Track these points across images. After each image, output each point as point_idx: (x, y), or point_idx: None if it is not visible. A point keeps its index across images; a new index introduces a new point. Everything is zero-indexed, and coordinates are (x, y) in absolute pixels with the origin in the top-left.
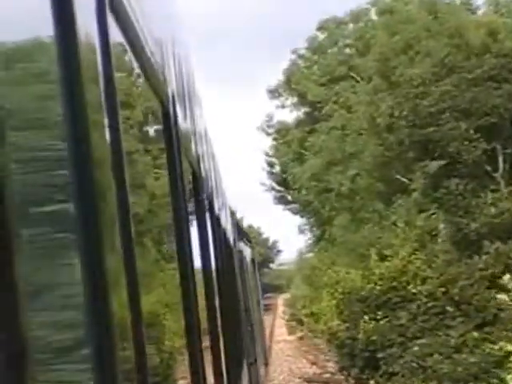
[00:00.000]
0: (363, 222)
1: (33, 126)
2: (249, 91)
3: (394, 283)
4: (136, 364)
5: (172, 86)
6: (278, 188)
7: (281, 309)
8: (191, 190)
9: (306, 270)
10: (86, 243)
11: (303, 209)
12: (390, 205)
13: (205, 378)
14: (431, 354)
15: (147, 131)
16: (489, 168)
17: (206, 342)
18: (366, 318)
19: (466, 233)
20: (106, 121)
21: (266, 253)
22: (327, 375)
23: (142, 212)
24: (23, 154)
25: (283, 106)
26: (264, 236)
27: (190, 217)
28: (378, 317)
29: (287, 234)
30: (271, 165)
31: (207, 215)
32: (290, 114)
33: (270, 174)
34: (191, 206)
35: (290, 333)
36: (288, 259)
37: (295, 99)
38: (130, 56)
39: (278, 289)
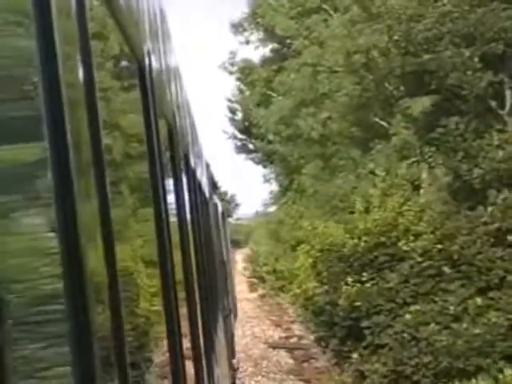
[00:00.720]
0: (337, 170)
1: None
2: (210, 25)
3: (382, 239)
4: (112, 317)
5: (147, 41)
6: (240, 136)
7: (240, 265)
8: (167, 145)
9: (271, 223)
10: (59, 188)
11: (267, 158)
12: (367, 151)
13: (181, 331)
14: (426, 324)
15: (122, 85)
16: (494, 104)
17: (182, 294)
18: (349, 279)
19: (466, 180)
20: (80, 75)
21: (224, 206)
22: (293, 340)
23: (117, 163)
24: None
25: (248, 42)
26: (222, 189)
27: (167, 171)
28: (363, 279)
29: (246, 188)
30: (233, 111)
31: (183, 169)
32: (255, 52)
33: (232, 120)
34: (167, 160)
35: (251, 290)
36: (246, 214)
37: (261, 34)
38: (105, 9)
39: (236, 244)
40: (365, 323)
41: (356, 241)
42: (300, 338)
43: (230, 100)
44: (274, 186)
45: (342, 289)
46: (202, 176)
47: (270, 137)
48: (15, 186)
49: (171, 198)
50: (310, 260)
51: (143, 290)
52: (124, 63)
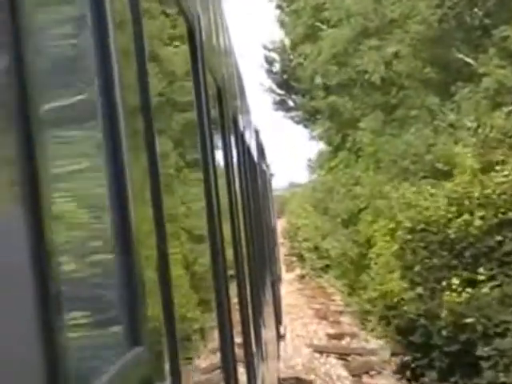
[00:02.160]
0: (406, 123)
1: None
2: None
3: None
4: (160, 271)
5: (197, 2)
6: (278, 91)
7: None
8: (217, 108)
9: (316, 192)
10: (112, 149)
11: (309, 117)
12: (447, 98)
13: (228, 294)
14: None
15: (172, 46)
16: None
17: (231, 257)
18: (455, 280)
19: None
20: (132, 38)
21: None
22: (345, 340)
23: (167, 124)
24: None
25: None
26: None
27: (217, 134)
28: (479, 278)
29: (279, 156)
30: (270, 61)
31: (232, 132)
32: None
33: (269, 72)
34: (217, 123)
35: (288, 270)
36: (278, 186)
37: None
38: None
39: None
40: (481, 350)
41: (467, 217)
42: (352, 336)
43: (266, 48)
44: (320, 146)
45: (445, 294)
46: (250, 140)
47: (318, 80)
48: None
49: (221, 161)
50: (395, 246)
51: (194, 253)
52: (174, 24)
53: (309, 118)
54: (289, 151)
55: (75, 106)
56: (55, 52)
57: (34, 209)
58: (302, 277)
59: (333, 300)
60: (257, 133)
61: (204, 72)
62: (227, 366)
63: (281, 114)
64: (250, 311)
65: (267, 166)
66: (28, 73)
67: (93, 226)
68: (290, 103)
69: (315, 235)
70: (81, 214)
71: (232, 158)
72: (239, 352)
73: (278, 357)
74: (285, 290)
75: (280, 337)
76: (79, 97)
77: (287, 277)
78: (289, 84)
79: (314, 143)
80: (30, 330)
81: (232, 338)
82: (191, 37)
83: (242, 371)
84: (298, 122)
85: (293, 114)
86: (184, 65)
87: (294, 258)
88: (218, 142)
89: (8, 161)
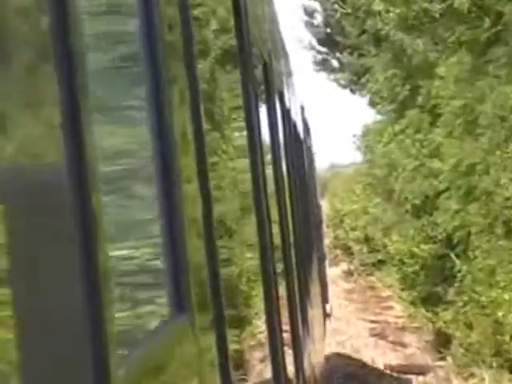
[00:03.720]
0: (507, 65)
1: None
2: None
3: None
4: (207, 254)
5: None
6: (319, 48)
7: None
8: (262, 82)
9: (372, 167)
10: (157, 120)
11: (358, 79)
12: None
13: (275, 271)
14: None
15: (216, 18)
16: None
17: (279, 235)
18: None
19: None
20: (174, 9)
21: None
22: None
23: (211, 98)
24: None
25: None
26: None
27: (262, 108)
28: None
29: (321, 131)
30: (310, 12)
31: (279, 108)
32: None
33: (310, 26)
34: (263, 98)
35: (331, 264)
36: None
37: None
38: None
39: None
40: None
41: None
42: (427, 369)
43: None
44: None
45: None
46: (296, 117)
47: (378, 6)
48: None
49: (267, 138)
50: None
51: (240, 230)
52: None
53: (357, 80)
54: (331, 124)
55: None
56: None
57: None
58: (350, 273)
59: (389, 307)
60: (302, 109)
61: (250, 46)
62: (273, 343)
63: (323, 75)
64: (296, 288)
65: (312, 143)
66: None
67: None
68: (334, 63)
69: (372, 228)
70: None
71: (278, 135)
72: (285, 329)
73: (324, 336)
74: (331, 290)
75: (326, 315)
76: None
77: (330, 272)
78: (333, 39)
79: (363, 113)
80: (75, 296)
81: (279, 315)
82: (236, 9)
83: (288, 349)
84: (343, 86)
85: (338, 75)
86: (229, 39)
87: (339, 251)
88: (265, 119)
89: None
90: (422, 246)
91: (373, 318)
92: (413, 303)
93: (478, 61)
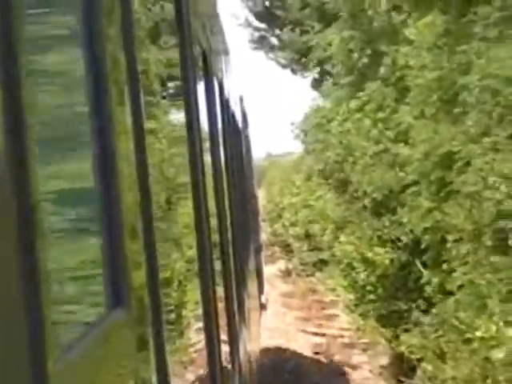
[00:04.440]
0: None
1: None
2: None
3: None
4: (144, 247)
5: None
6: (257, 24)
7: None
8: (202, 73)
9: (316, 152)
10: (99, 119)
11: (300, 57)
12: None
13: (212, 260)
14: None
15: (157, 10)
16: None
17: (214, 223)
18: None
19: None
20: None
21: None
22: None
23: (152, 88)
24: None
25: None
26: None
27: (201, 98)
28: None
29: (257, 117)
30: None
31: (217, 98)
32: None
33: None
34: (202, 88)
35: (268, 261)
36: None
37: None
38: None
39: None
40: None
41: None
42: None
43: None
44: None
45: None
46: (235, 107)
47: None
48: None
49: (206, 128)
50: None
51: (176, 217)
52: None
53: (299, 59)
54: (270, 110)
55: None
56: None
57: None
58: (288, 273)
59: (335, 316)
60: (241, 99)
61: (190, 37)
62: (209, 332)
63: (261, 55)
64: (233, 279)
65: (249, 133)
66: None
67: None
68: (274, 41)
69: (322, 227)
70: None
71: (217, 126)
72: (222, 319)
73: (260, 325)
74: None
75: (262, 306)
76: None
77: (267, 270)
78: (272, 14)
79: (305, 96)
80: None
81: (215, 306)
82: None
83: (224, 338)
84: (284, 66)
85: (278, 54)
86: (169, 29)
87: (276, 248)
88: (204, 108)
89: None
90: (378, 250)
91: (316, 329)
92: (363, 315)
93: (459, 21)
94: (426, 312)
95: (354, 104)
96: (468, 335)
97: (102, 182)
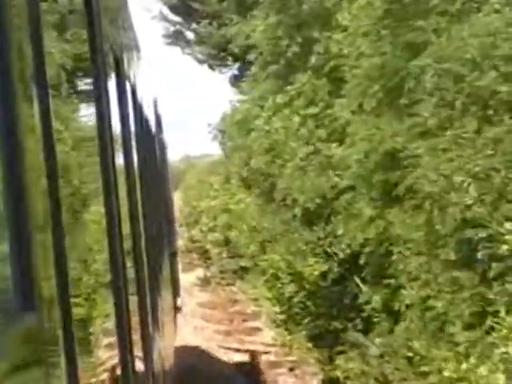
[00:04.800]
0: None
1: None
2: None
3: None
4: (54, 238)
5: None
6: (172, 17)
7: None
8: (114, 76)
9: (249, 154)
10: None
11: (218, 52)
12: None
13: (125, 265)
14: None
15: (67, 13)
16: None
17: (127, 228)
18: None
19: None
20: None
21: None
22: None
23: (62, 91)
24: None
25: None
26: None
27: (114, 105)
28: None
29: (174, 117)
30: None
31: (130, 103)
32: None
33: None
34: (114, 92)
35: (185, 269)
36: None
37: None
38: None
39: None
40: None
41: None
42: None
43: None
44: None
45: None
46: (149, 110)
47: None
48: None
49: (119, 133)
50: None
51: (87, 222)
52: None
53: (217, 53)
54: (186, 110)
55: None
56: None
57: None
58: (207, 282)
59: (257, 330)
60: (155, 103)
61: (101, 40)
62: (123, 336)
63: (177, 51)
64: (147, 283)
65: (163, 136)
66: None
67: None
68: (190, 35)
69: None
70: None
71: (130, 131)
72: (135, 323)
73: (175, 328)
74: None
75: (177, 309)
76: None
77: (184, 279)
78: (189, 8)
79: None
80: None
81: (128, 309)
82: (88, 5)
83: (138, 341)
84: (201, 61)
85: (195, 49)
86: (81, 32)
87: (195, 255)
88: (116, 113)
89: None
90: (309, 261)
91: (238, 345)
92: (289, 330)
93: None
94: (364, 333)
95: (281, 99)
96: (424, 368)
97: (10, 186)
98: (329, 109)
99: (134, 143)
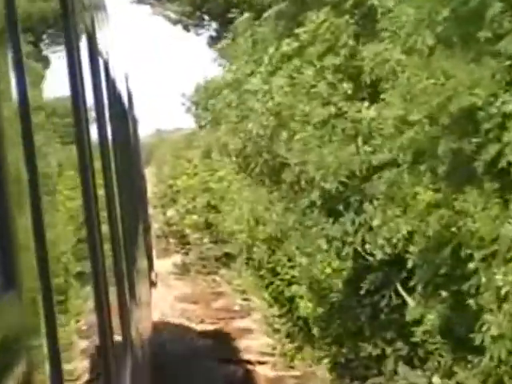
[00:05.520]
0: None
1: None
2: None
3: None
4: (34, 217)
5: None
6: None
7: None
8: (88, 52)
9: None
10: None
11: (194, 10)
12: None
13: (102, 241)
14: None
15: None
16: None
17: (103, 201)
18: None
19: None
20: None
21: None
22: None
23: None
24: None
25: None
26: None
27: (87, 77)
28: None
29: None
30: None
31: (103, 78)
32: None
33: None
34: (88, 67)
35: (160, 256)
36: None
37: None
38: None
39: None
40: None
41: None
42: None
43: None
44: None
45: None
46: (121, 86)
47: None
48: None
49: (92, 108)
50: None
51: (64, 198)
52: None
53: (193, 11)
54: (157, 78)
55: None
56: None
57: None
58: (186, 269)
59: (248, 331)
60: (126, 78)
61: (74, 15)
62: (101, 311)
63: (146, 10)
64: (123, 257)
65: (134, 111)
66: None
67: None
68: None
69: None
70: None
71: (104, 105)
72: (113, 297)
73: (150, 302)
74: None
75: (152, 283)
76: None
77: (160, 266)
78: None
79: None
80: None
81: (106, 283)
82: None
83: (116, 316)
84: (174, 22)
85: (167, 6)
86: (54, 9)
87: (172, 240)
88: (90, 88)
89: None
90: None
91: (227, 354)
92: (292, 336)
93: None
94: (409, 363)
95: (287, 45)
96: None
97: None
98: (354, 57)
99: (107, 120)
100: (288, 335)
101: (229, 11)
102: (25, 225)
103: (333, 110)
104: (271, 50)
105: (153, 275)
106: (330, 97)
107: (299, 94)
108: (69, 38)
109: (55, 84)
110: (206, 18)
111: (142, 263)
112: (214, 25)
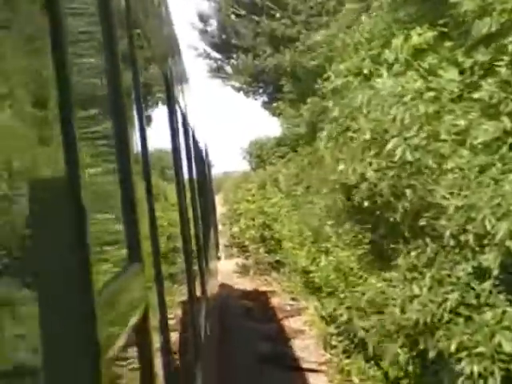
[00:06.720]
0: None
1: None
2: None
3: None
4: (150, 223)
5: None
6: (214, 55)
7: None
8: (164, 98)
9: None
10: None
11: (252, 81)
12: None
13: (190, 232)
14: None
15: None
16: None
17: (193, 218)
18: None
19: None
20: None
21: None
22: None
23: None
24: None
25: None
26: None
27: (182, 141)
28: None
29: (214, 139)
30: (205, 19)
31: (191, 139)
32: None
33: (204, 33)
34: (182, 134)
35: (227, 258)
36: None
37: None
38: None
39: None
40: None
41: None
42: None
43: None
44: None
45: None
46: (199, 138)
47: None
48: None
49: (185, 157)
50: None
51: (169, 213)
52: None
53: (251, 81)
54: (225, 133)
55: None
56: None
57: None
58: (246, 269)
59: (301, 333)
60: (206, 143)
61: (174, 95)
62: (191, 279)
63: (218, 82)
64: (201, 240)
65: (210, 160)
66: None
67: None
68: (229, 70)
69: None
70: None
71: (191, 156)
72: (196, 268)
73: (217, 270)
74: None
75: (218, 258)
76: None
77: (226, 264)
78: (229, 44)
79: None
80: None
81: (192, 259)
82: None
83: (198, 280)
84: (238, 89)
85: (232, 78)
86: (134, 63)
87: (235, 249)
88: (184, 146)
89: None
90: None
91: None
92: (348, 352)
93: None
94: None
95: (419, 37)
96: None
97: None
98: None
99: (193, 164)
100: (345, 351)
101: (279, 80)
102: (153, 222)
103: (507, 123)
104: (396, 43)
105: (219, 253)
106: (500, 105)
107: (442, 101)
108: (171, 113)
109: (163, 144)
110: (262, 85)
111: (213, 245)
112: (268, 91)
